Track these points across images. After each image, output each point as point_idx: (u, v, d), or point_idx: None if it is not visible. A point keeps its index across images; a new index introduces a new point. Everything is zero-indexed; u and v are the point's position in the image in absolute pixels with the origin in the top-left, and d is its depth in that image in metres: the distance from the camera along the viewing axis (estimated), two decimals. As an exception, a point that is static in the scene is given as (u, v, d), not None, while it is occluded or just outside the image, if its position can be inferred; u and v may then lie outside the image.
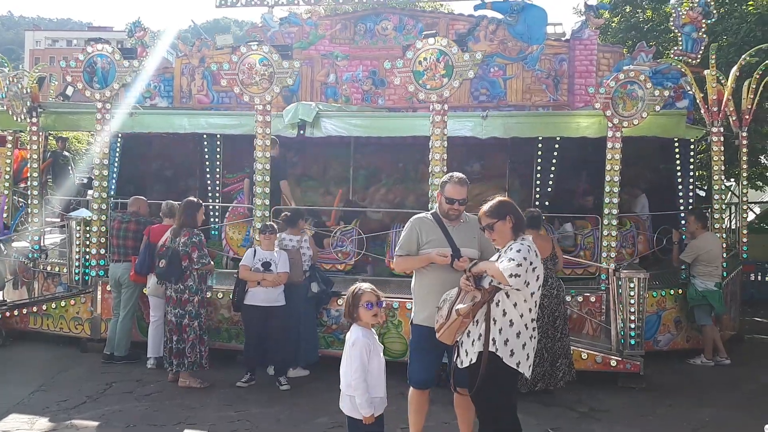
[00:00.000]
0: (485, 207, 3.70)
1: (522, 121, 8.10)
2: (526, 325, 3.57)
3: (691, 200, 9.90)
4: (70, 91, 11.58)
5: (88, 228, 7.34)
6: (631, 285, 6.39)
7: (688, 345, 7.71)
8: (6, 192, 9.70)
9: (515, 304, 3.53)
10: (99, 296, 7.20)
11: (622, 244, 8.37)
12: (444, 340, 3.72)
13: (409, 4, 12.56)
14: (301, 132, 8.14)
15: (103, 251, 7.25)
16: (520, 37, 11.09)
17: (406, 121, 8.40)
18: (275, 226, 6.36)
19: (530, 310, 3.58)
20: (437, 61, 6.50)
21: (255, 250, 6.20)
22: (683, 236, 8.39)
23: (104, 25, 70.45)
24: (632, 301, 6.37)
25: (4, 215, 9.61)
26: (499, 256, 3.62)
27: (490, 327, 3.50)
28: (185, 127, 8.63)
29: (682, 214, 9.41)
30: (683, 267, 7.83)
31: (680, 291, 7.69)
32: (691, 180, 10.07)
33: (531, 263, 3.49)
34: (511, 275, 3.40)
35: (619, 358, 6.37)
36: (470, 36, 11.07)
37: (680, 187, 9.96)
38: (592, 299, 7.31)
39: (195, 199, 6.24)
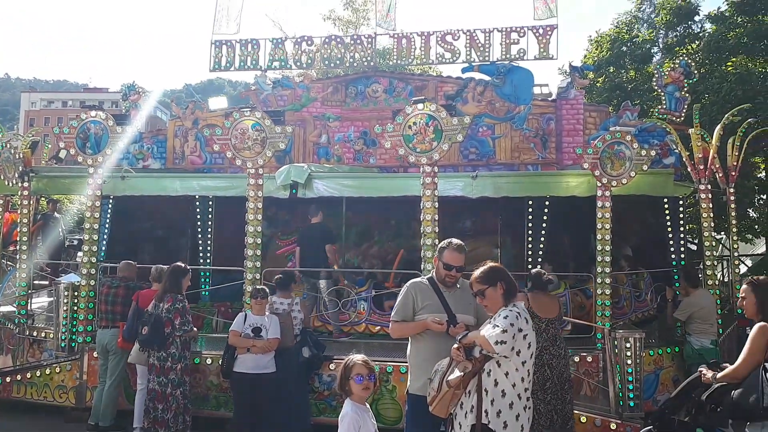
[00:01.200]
0: (477, 273, 3.66)
1: (511, 181, 8.19)
2: (519, 395, 3.45)
3: (682, 255, 9.92)
4: (63, 153, 11.62)
5: (76, 293, 7.24)
6: (628, 345, 6.32)
7: (688, 405, 7.56)
8: (-5, 256, 9.62)
9: (507, 374, 3.43)
10: (85, 363, 7.03)
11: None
12: (437, 413, 3.60)
13: (398, 68, 12.87)
14: (294, 192, 8.18)
15: (90, 317, 7.13)
16: (508, 98, 11.35)
17: (397, 181, 8.47)
18: (266, 290, 6.28)
19: (522, 379, 3.47)
20: (426, 125, 6.62)
21: (245, 315, 6.11)
22: (677, 293, 8.36)
23: (99, 86, 71.61)
24: (629, 362, 6.29)
25: (-8, 279, 9.48)
26: (489, 322, 3.56)
27: (482, 398, 3.40)
28: (177, 190, 8.66)
29: (675, 270, 9.41)
30: (678, 324, 7.78)
31: (677, 349, 7.61)
32: (682, 234, 10.13)
33: (520, 329, 3.40)
34: (496, 342, 3.33)
35: (619, 421, 6.23)
36: (458, 97, 11.34)
37: (671, 242, 10.01)
38: (589, 359, 7.21)
39: (182, 265, 6.19)
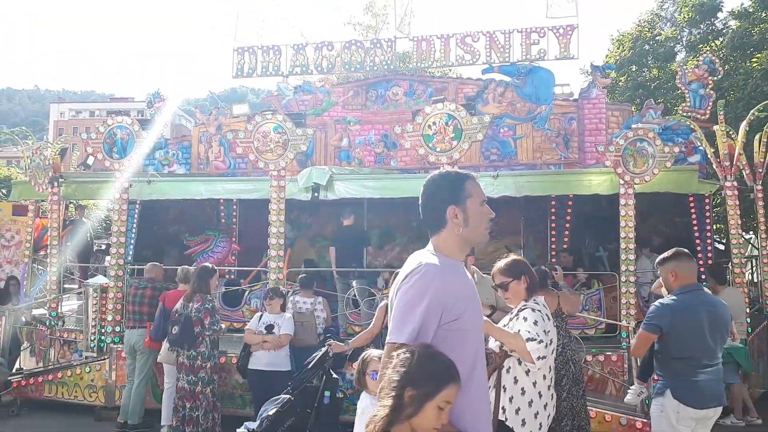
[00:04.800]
0: (500, 265, 3.65)
1: (533, 180, 8.15)
2: (540, 393, 3.39)
3: (710, 254, 9.78)
4: (90, 160, 11.89)
5: (104, 295, 7.40)
6: (652, 343, 6.24)
7: (717, 405, 7.44)
8: (26, 260, 9.86)
9: (527, 372, 3.37)
10: (114, 363, 7.17)
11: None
12: None
13: (418, 71, 12.92)
14: (315, 195, 8.27)
15: (118, 318, 7.28)
16: (528, 98, 11.33)
17: (417, 181, 8.38)
18: (281, 291, 6.36)
19: (544, 377, 3.42)
20: (446, 125, 6.65)
21: (261, 315, 6.21)
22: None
23: (125, 96, 72.90)
24: (654, 360, 6.20)
25: (24, 283, 9.72)
26: (511, 318, 3.52)
27: (500, 395, 3.35)
28: (202, 194, 8.79)
29: (701, 269, 9.27)
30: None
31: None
32: (708, 234, 9.98)
33: (548, 333, 3.35)
34: (539, 357, 3.26)
35: (645, 420, 6.15)
36: (479, 99, 11.35)
37: (698, 241, 9.87)
38: (614, 358, 7.14)
39: (209, 265, 6.29)
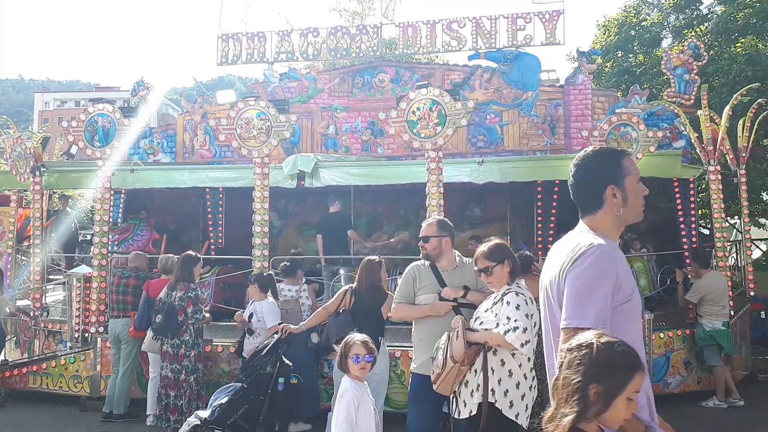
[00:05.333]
0: (482, 248, 3.64)
1: (518, 165, 8.16)
2: (525, 375, 3.44)
3: (694, 239, 9.85)
4: (74, 149, 11.78)
5: (88, 284, 7.34)
6: (636, 326, 6.29)
7: (700, 387, 7.55)
8: (9, 251, 9.76)
9: (513, 354, 3.41)
10: (99, 353, 7.13)
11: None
12: (442, 390, 3.57)
13: (405, 57, 12.86)
14: (301, 183, 8.23)
15: (103, 307, 7.23)
16: (515, 85, 11.30)
17: (403, 168, 8.48)
18: (259, 276, 6.32)
19: (528, 359, 3.46)
20: (430, 110, 6.61)
21: (252, 301, 6.19)
22: (688, 276, 8.31)
23: (111, 85, 72.08)
24: (638, 343, 6.26)
25: (8, 274, 9.62)
26: (495, 302, 3.52)
27: (488, 377, 3.39)
28: (185, 182, 8.71)
29: (686, 254, 9.35)
30: (689, 307, 7.74)
31: (688, 331, 7.57)
32: (693, 219, 10.04)
33: (531, 316, 3.35)
34: (522, 344, 3.28)
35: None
36: (466, 85, 11.31)
37: (683, 226, 9.93)
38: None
39: (193, 253, 6.26)
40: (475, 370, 3.46)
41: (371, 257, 5.51)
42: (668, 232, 10.20)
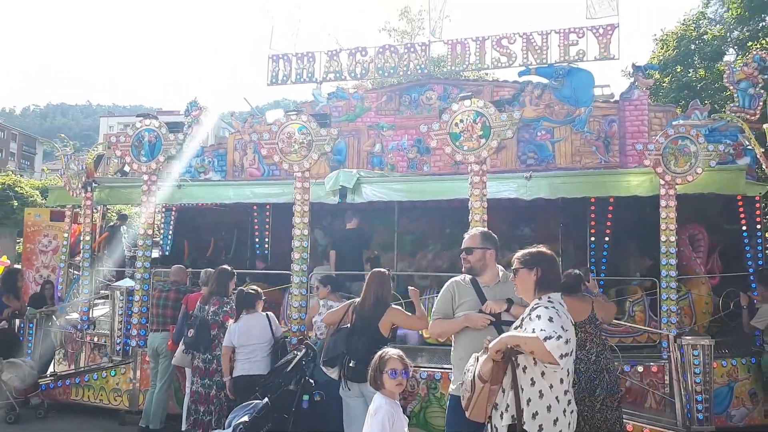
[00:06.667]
0: (521, 251, 3.37)
1: (568, 181, 7.78)
2: (557, 397, 3.07)
3: (761, 261, 9.20)
4: (128, 168, 12.09)
5: (131, 298, 7.40)
6: (695, 353, 5.84)
7: (767, 420, 6.94)
8: (62, 265, 10.02)
9: (543, 373, 3.05)
10: (138, 367, 7.14)
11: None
12: (475, 417, 3.19)
13: (453, 75, 12.71)
14: (343, 199, 8.12)
15: (144, 321, 7.25)
16: (567, 101, 10.97)
17: (446, 183, 8.23)
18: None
19: (561, 380, 3.08)
20: (474, 122, 6.40)
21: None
22: (754, 300, 7.73)
23: (172, 109, 74.73)
24: (697, 371, 5.81)
25: (60, 287, 9.86)
26: (523, 319, 3.19)
27: (519, 396, 3.03)
28: (230, 197, 8.75)
29: (752, 277, 8.72)
30: (756, 334, 7.17)
31: (753, 360, 7.00)
32: (759, 240, 9.39)
33: (565, 329, 3.01)
34: (562, 356, 2.92)
35: (685, 434, 5.75)
36: (515, 101, 11.05)
37: (748, 247, 9.30)
38: (653, 369, 6.72)
39: (228, 268, 6.20)
40: (503, 390, 3.12)
41: (380, 269, 5.24)
42: (733, 255, 9.57)
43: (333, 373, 4.76)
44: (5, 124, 71.81)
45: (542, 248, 3.40)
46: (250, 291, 5.72)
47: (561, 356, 2.91)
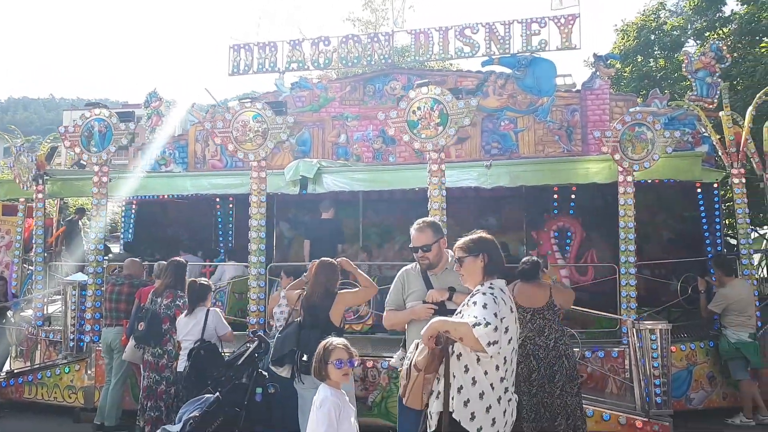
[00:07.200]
0: (462, 240, 3.31)
1: (528, 169, 7.77)
2: (492, 384, 2.99)
3: (719, 248, 9.37)
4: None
5: (84, 293, 7.19)
6: (653, 337, 5.90)
7: (725, 403, 7.08)
8: (16, 260, 9.71)
9: (477, 359, 2.98)
10: (93, 363, 6.95)
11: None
12: (411, 404, 3.12)
13: (417, 65, 12.63)
14: (305, 190, 7.99)
15: (98, 316, 7.05)
16: (530, 90, 11.00)
17: (408, 173, 8.17)
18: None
19: (497, 367, 2.99)
20: (431, 109, 6.34)
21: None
22: (712, 285, 7.85)
23: (138, 102, 73.40)
24: (655, 355, 5.86)
25: (14, 284, 9.55)
26: (463, 305, 3.12)
27: (450, 383, 2.97)
28: (188, 189, 8.56)
29: (710, 262, 8.87)
30: (714, 318, 7.29)
31: (711, 344, 7.12)
32: (718, 228, 9.56)
33: (502, 319, 2.94)
34: (489, 343, 2.84)
35: (645, 419, 5.80)
36: (479, 91, 11.04)
37: (707, 234, 9.47)
38: (614, 354, 6.77)
39: (182, 260, 6.04)
40: (437, 378, 3.06)
41: (327, 258, 5.06)
42: (692, 242, 9.73)
43: (283, 372, 4.68)
44: (-37, 118, 69.60)
45: (483, 233, 3.33)
46: (203, 283, 5.57)
47: (489, 344, 2.83)
